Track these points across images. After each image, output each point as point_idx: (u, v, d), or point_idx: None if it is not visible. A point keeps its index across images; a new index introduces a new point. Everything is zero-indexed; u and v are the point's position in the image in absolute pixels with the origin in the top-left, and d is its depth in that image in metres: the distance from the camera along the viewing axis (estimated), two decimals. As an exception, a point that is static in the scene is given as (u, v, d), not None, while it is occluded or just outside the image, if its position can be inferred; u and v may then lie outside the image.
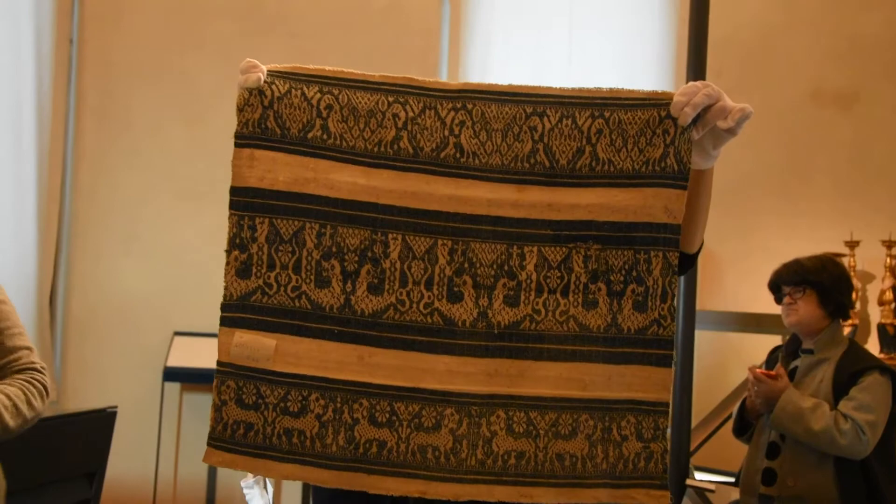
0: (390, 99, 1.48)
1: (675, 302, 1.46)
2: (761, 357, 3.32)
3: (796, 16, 5.29)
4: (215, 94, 4.90)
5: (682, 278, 3.22)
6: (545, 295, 1.46)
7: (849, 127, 5.12)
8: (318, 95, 1.49)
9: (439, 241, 1.47)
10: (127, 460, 4.57)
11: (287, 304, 1.48)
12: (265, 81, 1.49)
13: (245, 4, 5.27)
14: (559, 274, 1.46)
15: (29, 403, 2.00)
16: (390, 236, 1.47)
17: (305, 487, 4.45)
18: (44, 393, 2.07)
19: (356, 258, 1.47)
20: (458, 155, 1.47)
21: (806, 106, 5.19)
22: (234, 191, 1.50)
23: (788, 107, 5.18)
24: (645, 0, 5.54)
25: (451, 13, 5.47)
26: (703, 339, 3.28)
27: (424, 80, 1.49)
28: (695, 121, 1.43)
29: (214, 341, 1.52)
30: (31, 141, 4.90)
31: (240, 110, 1.50)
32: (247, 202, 1.49)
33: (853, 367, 2.89)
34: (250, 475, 2.95)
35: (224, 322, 1.49)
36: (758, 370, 2.99)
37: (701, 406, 3.96)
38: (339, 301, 1.48)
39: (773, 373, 2.95)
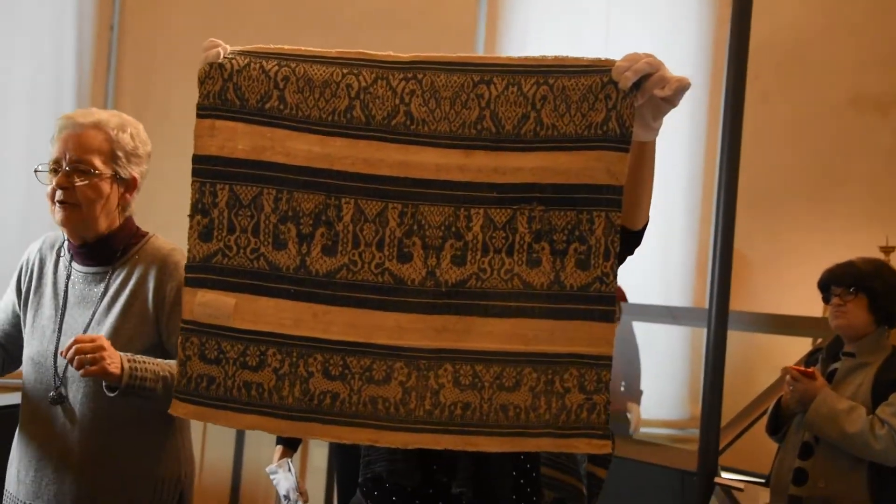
0: (344, 71, 1.55)
1: (617, 260, 1.49)
2: (791, 359, 3.25)
3: (836, 20, 5.19)
4: None
5: (715, 278, 3.14)
6: (491, 254, 1.51)
7: (888, 133, 5.02)
8: (276, 68, 1.56)
9: (390, 205, 1.53)
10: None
11: (246, 266, 1.56)
12: (226, 56, 1.57)
13: None
14: (504, 234, 1.51)
15: None
16: (343, 200, 1.54)
17: (330, 472, 4.43)
18: None
19: (311, 221, 1.55)
20: (408, 122, 1.53)
21: (844, 111, 5.10)
22: (196, 159, 1.58)
23: (826, 111, 5.09)
24: (683, 3, 5.52)
25: (487, 11, 5.47)
26: (733, 340, 3.25)
27: (378, 53, 1.55)
28: (636, 87, 1.45)
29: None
30: (70, 126, 4.94)
31: (201, 83, 1.58)
32: (208, 169, 1.57)
33: (895, 373, 2.80)
34: (274, 462, 2.96)
35: (188, 282, 1.58)
36: (794, 368, 2.90)
37: (729, 406, 3.90)
38: (295, 262, 1.55)
39: (810, 370, 2.87)
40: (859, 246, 4.34)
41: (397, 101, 1.54)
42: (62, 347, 1.95)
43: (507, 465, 1.71)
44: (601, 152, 1.47)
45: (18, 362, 2.19)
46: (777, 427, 3.05)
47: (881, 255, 4.53)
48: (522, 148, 1.51)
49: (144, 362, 1.94)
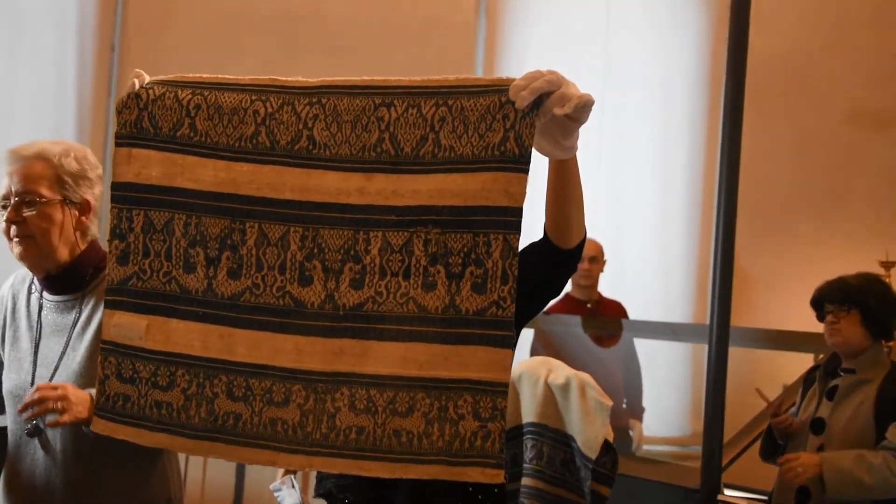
0: (253, 97, 1.58)
1: (515, 284, 1.45)
2: (793, 375, 3.22)
3: (837, 37, 5.21)
4: None
5: (716, 293, 3.11)
6: (388, 278, 1.50)
7: (889, 148, 5.03)
8: (190, 97, 1.61)
9: (291, 229, 1.55)
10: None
11: (159, 288, 1.63)
12: (143, 87, 1.64)
13: (286, 19, 5.31)
14: (401, 257, 1.50)
15: None
16: (247, 224, 1.57)
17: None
18: None
19: (217, 245, 1.59)
20: (310, 147, 1.55)
21: (845, 127, 5.10)
22: (114, 186, 1.66)
23: (827, 127, 5.10)
24: (682, 19, 5.55)
25: (486, 28, 5.52)
26: (734, 356, 3.23)
27: (287, 79, 1.58)
28: (537, 106, 1.41)
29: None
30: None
31: (118, 112, 1.66)
32: (125, 196, 1.65)
33: None
34: (277, 479, 2.94)
35: (106, 304, 1.66)
36: (770, 412, 2.94)
37: (731, 423, 3.89)
38: (203, 285, 1.60)
39: (784, 418, 2.90)
40: (861, 261, 4.32)
41: (301, 126, 1.56)
42: (38, 379, 1.97)
43: (449, 484, 1.66)
44: (498, 173, 1.44)
45: None
46: (771, 452, 3.02)
47: (881, 271, 4.52)
48: (420, 170, 1.50)
49: None
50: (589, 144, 5.43)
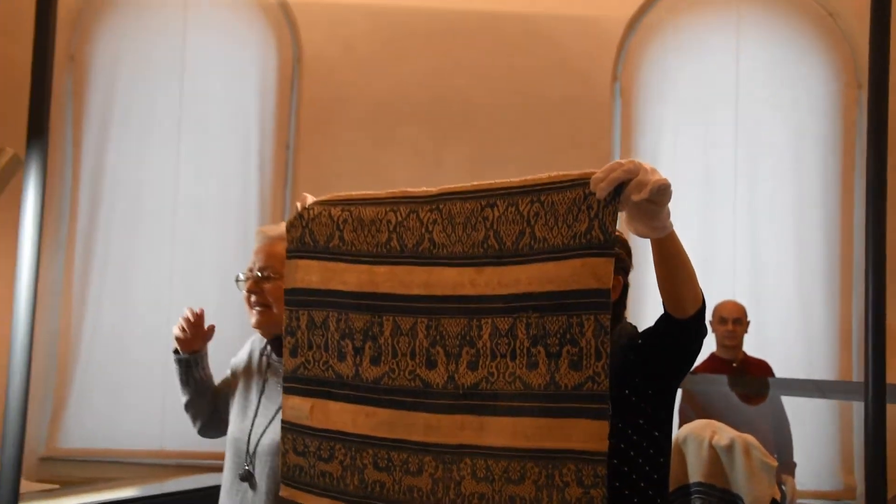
0: (387, 209, 1.72)
1: (608, 359, 1.47)
2: None
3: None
4: (409, 186, 5.20)
5: (869, 349, 3.09)
6: (497, 359, 1.57)
7: None
8: (339, 213, 1.78)
9: (419, 320, 1.66)
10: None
11: (319, 375, 1.79)
12: (305, 208, 1.83)
13: (432, 109, 5.52)
14: (507, 340, 1.56)
15: None
16: (384, 318, 1.71)
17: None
18: None
19: (361, 337, 1.73)
20: (431, 247, 1.67)
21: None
22: (286, 291, 1.85)
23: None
24: (815, 87, 5.49)
25: (622, 107, 5.56)
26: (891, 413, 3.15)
27: (415, 190, 1.71)
28: (618, 194, 1.45)
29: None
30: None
31: (287, 231, 1.86)
32: (294, 299, 1.84)
33: None
34: None
35: (284, 390, 1.86)
36: None
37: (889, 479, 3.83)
38: (352, 371, 1.74)
39: None
40: None
41: (423, 231, 1.67)
42: (257, 427, 2.14)
43: None
44: (587, 259, 1.48)
45: (219, 427, 2.37)
46: None
47: None
48: (520, 261, 1.56)
49: None
50: (723, 208, 5.48)
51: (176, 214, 5.51)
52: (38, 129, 2.52)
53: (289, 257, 1.86)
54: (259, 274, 2.18)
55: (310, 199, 1.83)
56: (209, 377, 2.38)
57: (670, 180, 1.44)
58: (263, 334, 2.27)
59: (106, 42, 5.65)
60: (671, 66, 5.56)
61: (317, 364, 1.80)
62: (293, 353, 1.84)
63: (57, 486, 4.34)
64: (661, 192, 1.42)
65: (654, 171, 1.44)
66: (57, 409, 5.39)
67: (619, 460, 1.77)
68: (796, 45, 5.51)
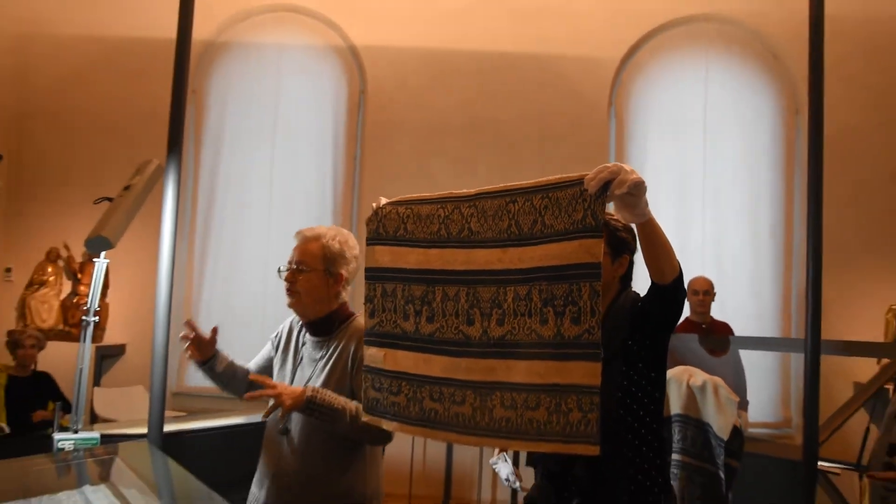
0: (437, 206, 1.73)
1: (600, 316, 1.47)
2: (859, 375, 3.04)
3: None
4: (452, 188, 5.16)
5: (808, 313, 2.84)
6: (518, 317, 1.57)
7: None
8: (403, 210, 1.78)
9: (461, 289, 1.67)
10: (392, 446, 4.79)
11: (390, 331, 1.79)
12: (379, 207, 1.82)
13: (471, 124, 5.46)
14: (525, 303, 1.56)
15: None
16: (436, 288, 1.71)
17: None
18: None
19: (420, 302, 1.73)
20: (469, 235, 1.67)
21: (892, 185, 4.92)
22: (367, 270, 1.84)
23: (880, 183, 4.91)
24: (764, 111, 5.41)
25: (616, 126, 5.52)
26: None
27: (458, 191, 1.71)
28: (605, 190, 1.45)
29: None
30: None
31: (366, 224, 1.84)
32: (371, 275, 1.83)
33: None
34: (494, 456, 2.99)
35: (365, 342, 1.84)
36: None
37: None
38: (413, 328, 1.74)
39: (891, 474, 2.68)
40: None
41: (464, 222, 1.67)
42: None
43: (621, 481, 1.74)
44: (583, 240, 1.49)
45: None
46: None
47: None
48: (534, 243, 1.56)
49: (326, 394, 2.00)
50: (694, 205, 5.45)
51: (271, 210, 5.53)
52: (174, 146, 2.58)
53: (368, 244, 1.84)
54: (295, 266, 2.12)
55: (383, 200, 1.83)
56: (231, 366, 2.26)
57: (653, 183, 1.45)
58: (298, 315, 2.20)
59: (219, 79, 5.71)
60: (654, 95, 5.52)
61: (388, 322, 1.80)
62: (371, 315, 1.83)
63: (185, 413, 4.45)
64: (638, 187, 1.43)
65: (632, 171, 1.44)
66: (183, 358, 5.47)
67: (623, 394, 1.77)
68: (750, 80, 5.45)
